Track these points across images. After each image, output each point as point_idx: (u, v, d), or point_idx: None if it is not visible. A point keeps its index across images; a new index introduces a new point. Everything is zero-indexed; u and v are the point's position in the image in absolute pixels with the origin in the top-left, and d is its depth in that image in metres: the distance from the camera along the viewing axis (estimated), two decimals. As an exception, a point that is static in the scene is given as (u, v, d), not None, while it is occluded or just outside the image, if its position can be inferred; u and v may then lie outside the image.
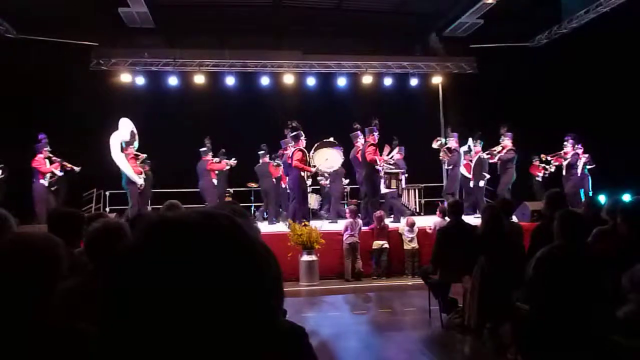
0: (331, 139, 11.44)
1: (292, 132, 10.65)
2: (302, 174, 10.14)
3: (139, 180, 10.87)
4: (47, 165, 10.93)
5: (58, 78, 12.35)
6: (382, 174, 10.61)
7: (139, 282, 0.61)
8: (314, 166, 10.60)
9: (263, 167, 12.08)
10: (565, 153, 11.99)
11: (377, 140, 10.46)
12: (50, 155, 11.05)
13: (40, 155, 10.88)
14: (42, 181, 10.82)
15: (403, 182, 11.60)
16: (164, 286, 0.60)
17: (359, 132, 11.22)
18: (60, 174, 11.20)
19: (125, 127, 11.31)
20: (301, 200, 10.07)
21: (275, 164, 12.10)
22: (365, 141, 10.64)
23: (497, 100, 13.70)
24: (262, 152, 12.28)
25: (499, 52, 14.22)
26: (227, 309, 0.61)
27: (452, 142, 11.71)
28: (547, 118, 13.31)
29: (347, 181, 12.51)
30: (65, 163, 11.31)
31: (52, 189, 11.34)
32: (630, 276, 3.15)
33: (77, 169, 11.53)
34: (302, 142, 10.43)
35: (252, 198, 14.25)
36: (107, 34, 13.85)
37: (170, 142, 12.66)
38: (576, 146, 11.59)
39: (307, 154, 10.51)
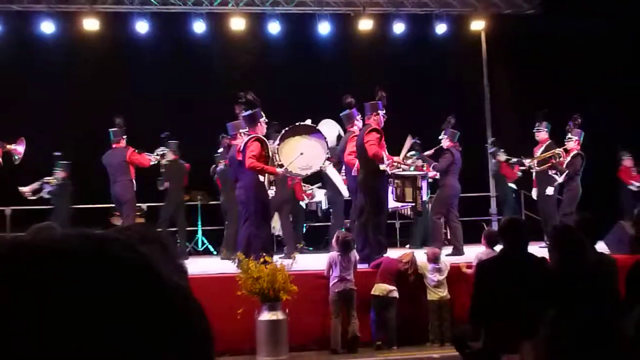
0: (308, 122, 11.40)
1: (245, 111, 10.59)
2: (261, 178, 10.08)
3: (346, 192, 12.44)
4: None
5: None
6: (390, 177, 10.64)
7: None
8: (281, 165, 10.52)
9: None
10: None
11: (382, 124, 10.49)
12: None
13: None
14: None
15: (424, 191, 11.61)
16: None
17: (354, 110, 11.21)
18: None
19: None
20: (260, 221, 9.99)
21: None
22: (364, 124, 10.65)
23: (573, 58, 13.86)
24: None
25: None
26: None
27: (445, 141, 12.23)
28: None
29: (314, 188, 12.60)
30: None
31: None
32: None
33: None
34: (262, 127, 10.37)
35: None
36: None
37: (42, 123, 12.71)
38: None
39: (270, 146, 10.46)
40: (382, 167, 10.14)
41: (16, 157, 11.75)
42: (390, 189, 10.78)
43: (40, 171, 13.34)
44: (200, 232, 14.89)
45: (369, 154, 10.08)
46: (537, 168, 13.07)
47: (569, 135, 12.62)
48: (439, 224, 12.11)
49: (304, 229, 14.47)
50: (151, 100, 14.64)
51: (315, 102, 12.56)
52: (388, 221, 11.31)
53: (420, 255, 9.80)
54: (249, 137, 10.20)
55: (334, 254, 9.26)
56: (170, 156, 13.16)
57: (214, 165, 13.48)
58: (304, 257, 11.14)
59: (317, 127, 11.21)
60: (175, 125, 13.35)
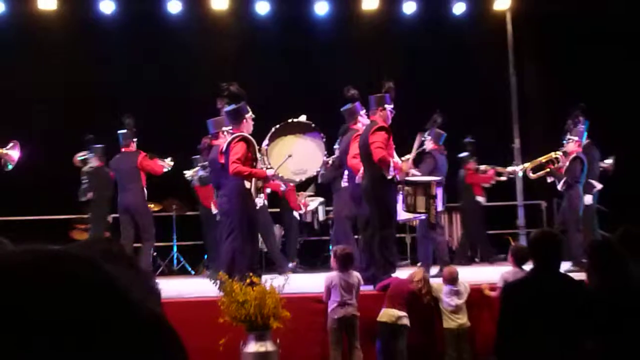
0: (303, 118, 11.42)
1: (228, 105, 10.60)
2: (247, 185, 10.08)
3: None
4: None
5: None
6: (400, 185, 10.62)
7: None
8: (269, 168, 10.52)
9: None
10: None
11: (390, 121, 10.50)
12: None
13: None
14: None
15: (439, 199, 11.61)
16: None
17: (357, 104, 11.25)
18: None
19: None
20: (246, 234, 9.99)
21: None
22: (371, 121, 10.65)
23: (614, 42, 13.86)
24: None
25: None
26: None
27: (429, 143, 12.42)
28: None
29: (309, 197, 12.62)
30: None
31: None
32: None
33: None
34: (248, 124, 10.38)
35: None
36: None
37: None
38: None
39: (257, 147, 10.47)
40: (388, 176, 10.09)
41: (9, 164, 11.80)
42: (399, 197, 10.77)
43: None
44: (175, 248, 14.82)
45: (375, 159, 10.02)
46: (531, 175, 13.12)
47: (569, 136, 12.64)
48: (442, 242, 12.06)
49: (298, 244, 14.43)
50: (117, 92, 14.61)
51: (312, 94, 12.53)
52: (397, 235, 11.30)
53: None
54: (233, 136, 10.21)
55: (333, 274, 9.20)
56: (94, 162, 13.22)
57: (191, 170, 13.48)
58: (298, 277, 11.14)
59: (314, 125, 11.22)
60: (145, 121, 13.35)
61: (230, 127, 10.51)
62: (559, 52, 14.83)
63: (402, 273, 10.18)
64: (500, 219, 15.04)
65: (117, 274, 0.71)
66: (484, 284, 9.78)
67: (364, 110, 11.13)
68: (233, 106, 10.44)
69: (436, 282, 9.61)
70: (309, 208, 14.40)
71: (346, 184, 11.70)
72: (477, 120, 12.51)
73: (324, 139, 11.04)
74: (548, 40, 15.26)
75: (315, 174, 11.38)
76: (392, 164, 10.08)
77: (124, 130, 12.42)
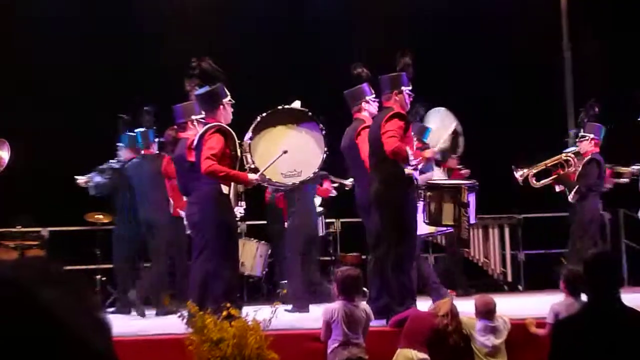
0: (296, 104, 11.45)
1: (200, 87, 10.59)
2: (225, 189, 10.09)
3: None
4: None
5: None
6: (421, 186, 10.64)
7: None
8: (253, 168, 10.53)
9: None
10: None
11: (408, 106, 10.58)
12: None
13: None
14: None
15: (473, 209, 11.64)
16: None
17: (365, 86, 11.32)
18: None
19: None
20: (222, 253, 10.00)
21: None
22: (382, 108, 10.71)
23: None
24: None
25: None
26: None
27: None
28: None
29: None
30: None
31: None
32: None
33: None
34: (226, 112, 10.37)
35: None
36: None
37: None
38: None
39: (238, 142, 10.48)
40: (407, 170, 10.05)
41: None
42: (420, 205, 10.77)
43: None
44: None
45: (387, 151, 9.93)
46: (535, 183, 13.17)
47: (582, 133, 12.81)
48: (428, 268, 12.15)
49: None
50: (65, 68, 14.66)
51: (308, 74, 12.54)
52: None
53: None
54: (207, 127, 10.20)
55: (334, 305, 9.21)
56: None
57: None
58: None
59: (310, 113, 11.23)
60: (99, 109, 13.41)
61: (203, 116, 10.49)
62: (626, 20, 14.85)
63: (424, 304, 10.18)
64: (548, 234, 15.05)
65: (57, 301, 0.73)
66: (529, 319, 9.74)
67: (373, 95, 11.10)
68: (206, 88, 10.40)
69: (467, 317, 9.59)
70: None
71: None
72: (521, 106, 12.48)
73: (324, 132, 11.04)
74: (612, 6, 15.29)
75: (312, 176, 11.29)
76: (410, 154, 9.98)
77: (143, 129, 12.58)
